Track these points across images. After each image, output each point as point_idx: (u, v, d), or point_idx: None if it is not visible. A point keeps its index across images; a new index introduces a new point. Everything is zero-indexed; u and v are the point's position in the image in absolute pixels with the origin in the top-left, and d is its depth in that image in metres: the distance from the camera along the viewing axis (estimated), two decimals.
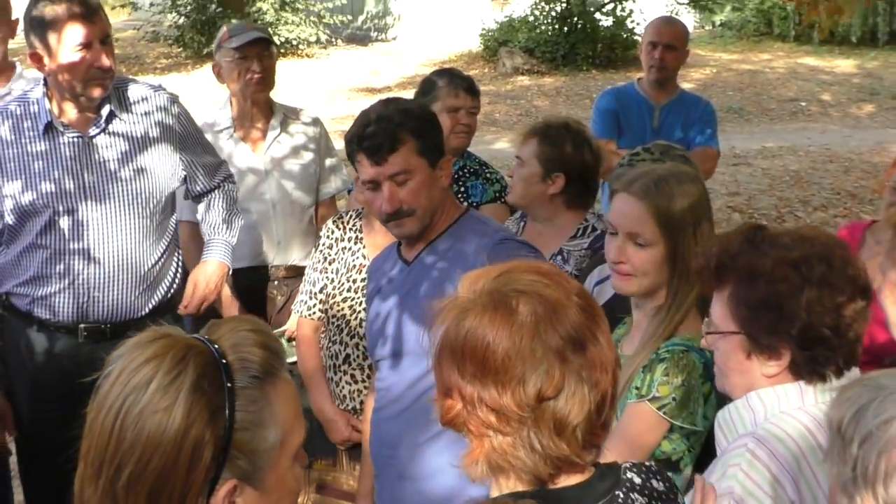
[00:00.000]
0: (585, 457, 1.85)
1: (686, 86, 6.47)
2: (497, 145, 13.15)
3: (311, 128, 4.99)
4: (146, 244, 3.96)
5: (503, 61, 19.15)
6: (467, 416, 1.82)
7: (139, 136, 3.95)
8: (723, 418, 2.42)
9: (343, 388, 3.96)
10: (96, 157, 3.88)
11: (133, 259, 3.93)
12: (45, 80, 3.88)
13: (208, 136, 4.45)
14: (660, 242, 2.90)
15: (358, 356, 3.91)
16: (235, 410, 1.63)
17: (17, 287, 3.96)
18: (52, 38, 3.74)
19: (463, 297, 1.88)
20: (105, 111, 3.89)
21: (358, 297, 3.89)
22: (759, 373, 2.35)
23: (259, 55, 4.81)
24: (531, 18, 19.82)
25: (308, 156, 4.94)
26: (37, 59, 3.80)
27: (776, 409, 2.32)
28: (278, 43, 17.88)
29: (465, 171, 4.68)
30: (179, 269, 4.18)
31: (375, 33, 23.00)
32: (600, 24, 19.58)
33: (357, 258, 3.96)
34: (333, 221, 4.12)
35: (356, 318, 3.90)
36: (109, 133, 3.90)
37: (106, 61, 3.79)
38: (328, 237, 4.06)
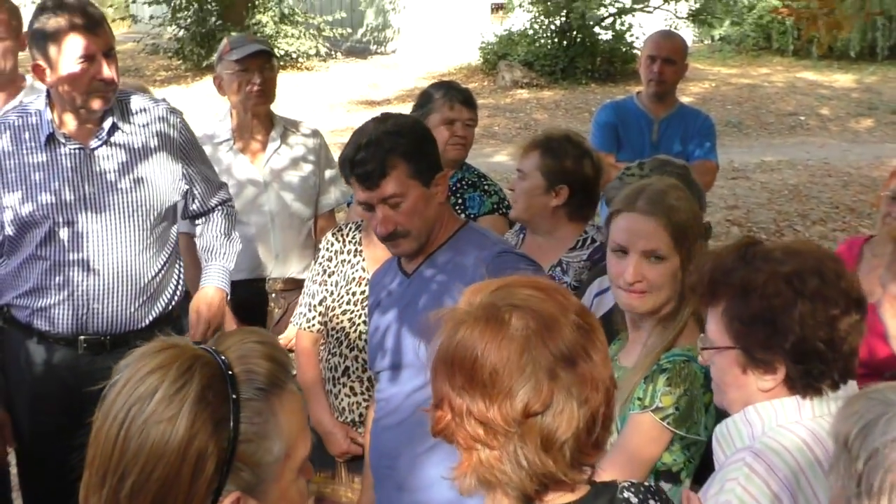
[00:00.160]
0: (574, 475, 1.84)
1: (685, 99, 6.48)
2: (496, 158, 13.17)
3: (311, 140, 5.00)
4: (146, 256, 3.95)
5: (502, 74, 19.18)
6: (456, 427, 1.83)
7: (140, 148, 3.95)
8: (721, 433, 2.42)
9: (342, 400, 3.97)
10: (97, 168, 3.88)
11: (133, 271, 3.93)
12: (48, 91, 3.89)
13: (207, 148, 4.45)
14: (674, 255, 2.91)
15: (357, 368, 3.92)
16: (240, 422, 1.63)
17: (17, 298, 3.96)
18: (53, 49, 3.74)
19: (459, 308, 1.88)
20: (107, 123, 3.89)
21: (357, 310, 3.90)
22: (755, 387, 2.35)
23: (260, 68, 4.82)
24: (530, 32, 19.86)
25: (308, 168, 4.94)
26: (39, 71, 3.81)
27: (773, 422, 2.32)
28: (278, 56, 17.90)
29: (464, 182, 4.69)
30: (181, 281, 4.17)
31: (375, 46, 23.04)
32: (599, 38, 19.62)
33: (356, 271, 3.96)
34: (333, 234, 4.12)
35: (356, 331, 3.90)
36: (111, 145, 3.90)
37: (109, 74, 3.79)
38: (328, 250, 4.07)
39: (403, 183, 3.16)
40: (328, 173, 4.99)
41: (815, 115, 17.10)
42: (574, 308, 1.88)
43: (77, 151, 3.86)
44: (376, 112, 3.49)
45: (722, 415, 2.50)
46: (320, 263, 4.07)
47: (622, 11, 19.66)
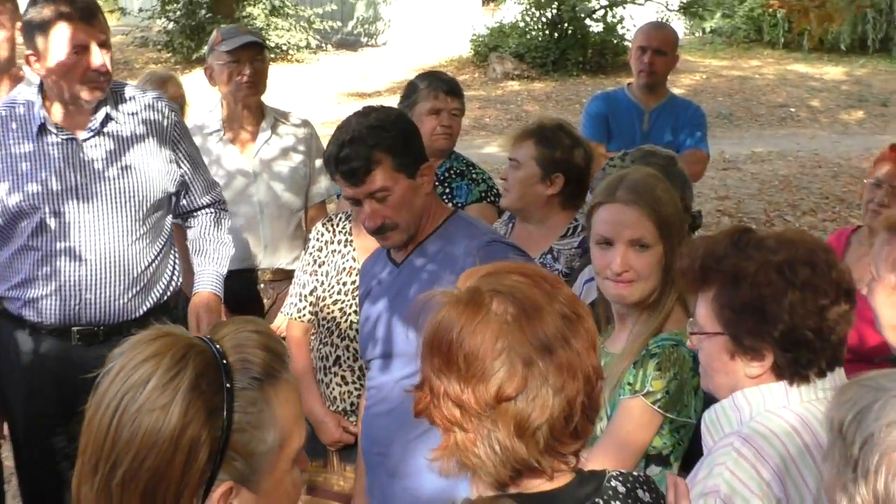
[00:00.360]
0: (549, 463, 1.84)
1: (676, 91, 6.49)
2: (487, 149, 13.16)
3: (301, 130, 5.00)
4: (139, 246, 3.94)
5: (493, 66, 19.16)
6: (434, 409, 1.84)
7: (133, 138, 3.93)
8: (709, 418, 2.43)
9: (333, 389, 3.97)
10: (88, 159, 3.86)
11: (126, 261, 3.91)
12: (41, 82, 3.88)
13: (197, 139, 4.44)
14: (658, 243, 2.92)
15: (348, 358, 3.92)
16: (234, 412, 1.62)
17: (9, 290, 3.94)
18: (45, 39, 3.72)
19: (447, 291, 1.89)
20: (100, 114, 3.88)
21: (348, 300, 3.90)
22: (742, 373, 2.36)
23: (251, 59, 4.81)
24: (521, 24, 19.83)
25: (298, 158, 4.94)
26: (32, 61, 3.79)
27: (762, 408, 2.33)
28: (269, 48, 17.87)
29: (452, 172, 4.69)
30: (176, 271, 4.17)
31: (365, 38, 23.00)
32: (591, 29, 19.60)
33: (347, 261, 3.96)
34: (323, 224, 4.12)
35: (346, 321, 3.91)
36: (104, 135, 3.89)
37: (103, 64, 3.77)
38: (318, 240, 4.07)
39: (389, 177, 3.17)
40: (318, 163, 4.97)
41: (806, 106, 17.13)
42: (562, 296, 1.88)
43: (69, 142, 3.85)
44: (367, 104, 3.48)
45: (711, 397, 2.51)
46: (310, 253, 4.07)
47: (613, 3, 19.65)
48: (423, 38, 21.62)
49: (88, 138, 3.87)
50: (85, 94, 3.80)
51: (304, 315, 4.08)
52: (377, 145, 3.15)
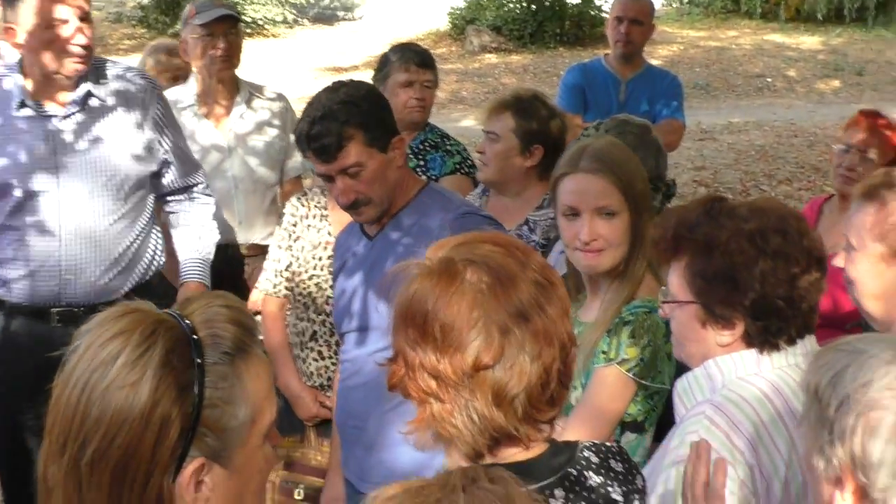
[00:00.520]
0: (527, 431, 1.85)
1: (653, 62, 6.49)
2: (464, 123, 13.14)
3: (277, 104, 4.97)
4: (120, 226, 3.88)
5: (471, 39, 19.09)
6: (409, 381, 1.83)
7: (115, 116, 3.87)
8: (681, 387, 2.43)
9: (310, 364, 3.96)
10: (68, 137, 3.79)
11: (106, 241, 3.85)
12: (21, 58, 3.81)
13: None
14: (624, 210, 2.92)
15: (325, 333, 3.91)
16: (205, 387, 1.60)
17: None
18: (25, 12, 3.65)
19: (418, 263, 1.89)
20: (81, 90, 3.81)
21: (324, 275, 3.89)
22: (713, 342, 2.36)
23: (225, 32, 4.77)
24: None
25: (273, 132, 4.91)
26: (11, 35, 3.72)
27: (733, 375, 2.34)
28: (244, 22, 17.75)
29: (426, 144, 4.67)
30: (159, 250, 4.10)
31: (342, 13, 22.89)
32: (568, 1, 19.54)
33: (322, 235, 3.95)
34: (298, 199, 4.10)
35: (322, 296, 3.90)
36: (84, 112, 3.82)
37: (84, 39, 3.70)
38: (293, 214, 4.05)
39: (361, 152, 3.15)
40: (293, 137, 4.93)
41: (782, 76, 17.15)
42: (535, 264, 1.88)
43: (48, 119, 3.78)
44: (344, 78, 3.45)
45: (683, 363, 2.52)
46: (285, 228, 4.05)
47: None
48: (399, 12, 21.53)
49: (68, 115, 3.80)
50: (65, 69, 3.73)
51: (280, 290, 4.06)
52: (348, 121, 3.13)
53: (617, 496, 1.94)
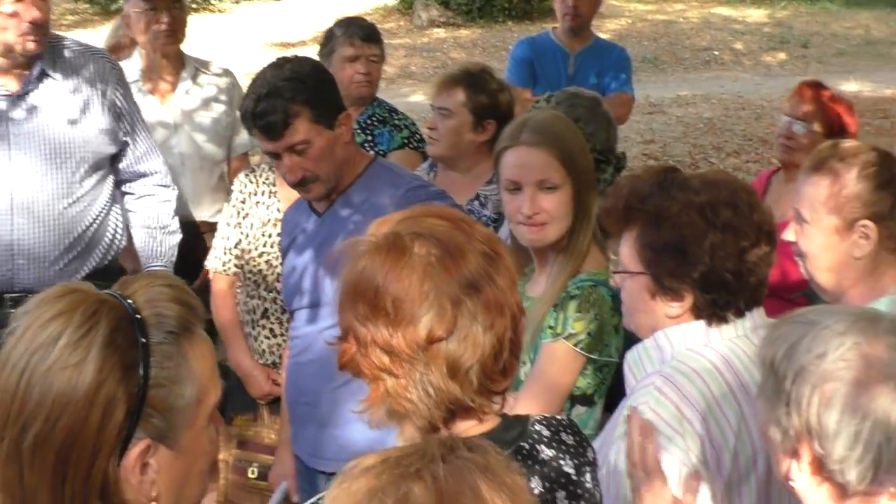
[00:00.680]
0: (482, 402, 1.85)
1: (601, 36, 6.50)
2: (413, 98, 13.09)
3: (223, 80, 4.93)
4: (77, 208, 3.80)
5: (419, 14, 19.01)
6: (361, 358, 1.83)
7: (71, 96, 3.78)
8: (632, 358, 2.44)
9: (262, 342, 3.94)
10: (22, 116, 3.71)
11: (62, 224, 3.77)
12: None
13: None
14: (566, 183, 2.92)
15: (276, 310, 3.89)
16: (150, 367, 1.57)
17: None
18: None
19: (364, 239, 1.88)
20: (36, 69, 3.72)
21: (274, 252, 3.86)
22: (662, 313, 2.37)
23: (168, 6, 4.72)
24: None
25: (220, 108, 4.87)
26: None
27: (683, 347, 2.34)
28: None
29: (374, 119, 4.65)
30: (118, 234, 4.00)
31: None
32: None
33: (272, 212, 3.92)
34: (246, 175, 4.07)
35: (273, 273, 3.88)
36: (39, 92, 3.73)
37: (39, 16, 3.61)
38: (241, 191, 4.02)
39: (308, 130, 3.13)
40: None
41: (729, 49, 17.25)
42: (480, 235, 1.88)
43: (1, 98, 3.70)
44: (291, 54, 3.41)
45: (631, 336, 2.53)
46: (234, 206, 4.02)
47: None
48: None
49: (22, 94, 3.71)
50: (20, 47, 3.64)
51: (230, 268, 4.03)
52: (294, 98, 3.11)
53: (569, 469, 1.95)
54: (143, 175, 4.05)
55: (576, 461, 1.98)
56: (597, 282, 2.87)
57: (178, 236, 4.14)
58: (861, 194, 2.71)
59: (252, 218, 3.96)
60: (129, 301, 1.61)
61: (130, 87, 4.63)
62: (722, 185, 2.38)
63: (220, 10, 20.12)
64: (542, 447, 1.94)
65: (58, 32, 3.97)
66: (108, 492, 1.56)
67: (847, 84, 12.72)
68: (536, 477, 1.91)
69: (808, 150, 4.13)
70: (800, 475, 1.83)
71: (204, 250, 4.64)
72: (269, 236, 3.90)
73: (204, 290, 4.22)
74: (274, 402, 3.94)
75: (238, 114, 4.81)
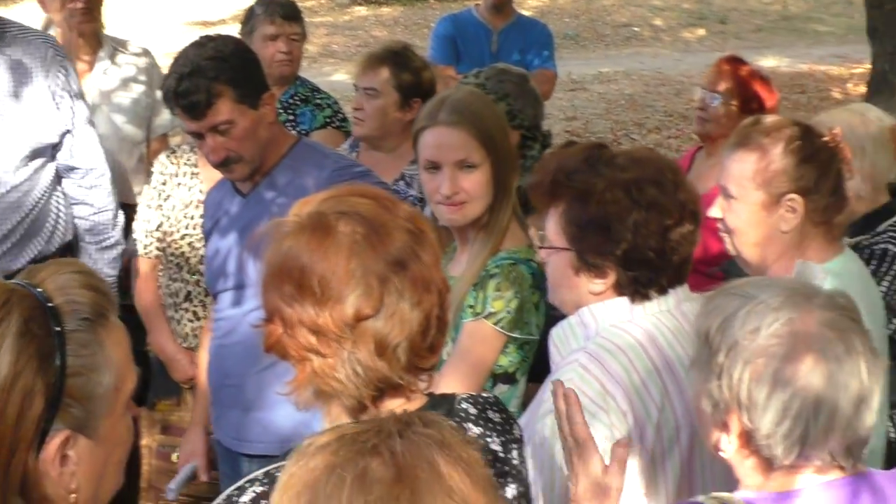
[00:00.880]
0: (410, 379, 1.85)
1: (524, 13, 6.53)
2: (335, 77, 13.01)
3: (142, 59, 4.85)
4: (12, 197, 3.70)
5: None
6: (287, 339, 1.81)
7: (10, 83, 3.67)
8: (557, 334, 2.45)
9: (185, 326, 3.90)
10: None
11: None
12: None
13: None
14: (485, 162, 2.91)
15: (199, 293, 3.86)
16: (67, 356, 1.54)
17: None
18: None
19: (287, 220, 1.87)
20: None
21: (197, 234, 3.82)
22: (586, 289, 2.38)
23: None
24: None
25: (139, 89, 4.79)
26: None
27: (607, 323, 2.36)
28: None
29: (296, 98, 4.63)
30: (61, 223, 3.89)
31: None
32: None
33: (194, 193, 3.88)
34: (167, 156, 4.02)
35: (196, 255, 3.84)
36: None
37: None
38: (162, 173, 3.97)
39: (231, 109, 3.11)
40: (160, 94, 4.81)
41: (649, 26, 17.39)
42: (404, 213, 1.88)
43: None
44: (212, 33, 3.36)
45: (552, 313, 2.53)
46: (154, 187, 3.96)
47: None
48: None
49: None
50: None
51: (151, 251, 3.97)
52: (217, 78, 3.08)
53: (496, 446, 1.96)
54: (80, 169, 3.93)
55: (503, 438, 1.99)
56: (517, 260, 2.88)
57: (120, 247, 4.00)
58: (787, 169, 2.75)
59: (174, 200, 3.91)
60: (39, 290, 1.57)
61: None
62: (648, 163, 2.39)
63: None
64: (470, 425, 1.95)
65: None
66: (28, 486, 1.52)
67: (764, 59, 12.89)
68: None
69: (723, 123, 4.22)
70: (729, 447, 1.86)
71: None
72: (192, 218, 3.85)
73: (124, 274, 4.16)
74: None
75: (158, 94, 4.78)
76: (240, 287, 3.25)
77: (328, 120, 4.61)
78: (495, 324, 2.83)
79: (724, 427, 1.84)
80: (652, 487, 2.28)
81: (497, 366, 2.88)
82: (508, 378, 2.91)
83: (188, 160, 3.94)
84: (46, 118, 3.77)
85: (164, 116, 4.84)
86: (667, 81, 13.38)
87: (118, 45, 4.81)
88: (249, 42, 4.39)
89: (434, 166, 2.93)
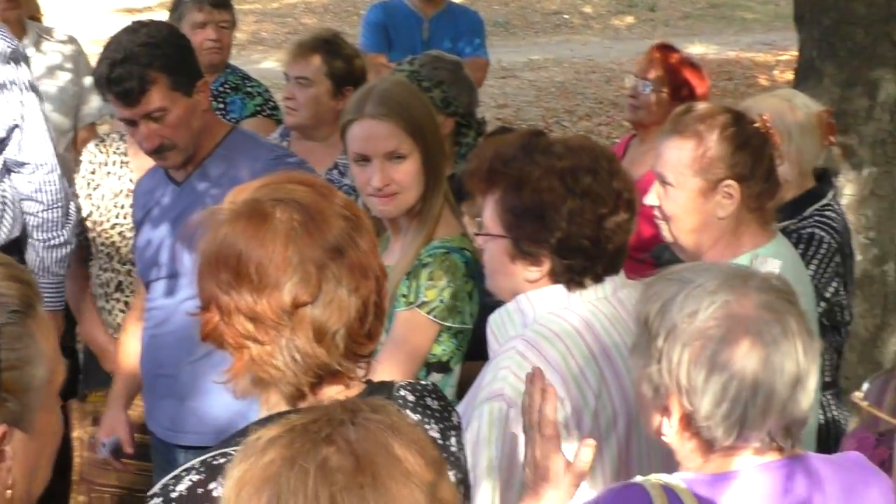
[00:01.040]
0: (349, 366, 1.85)
1: (454, 1, 6.52)
2: (265, 65, 12.90)
3: (68, 47, 4.79)
4: None
5: None
6: (225, 327, 1.81)
7: None
8: (494, 322, 2.46)
9: (116, 316, 3.87)
10: None
11: None
12: None
13: None
14: (415, 151, 2.90)
15: (131, 283, 3.83)
16: (1, 349, 1.51)
17: None
18: None
19: (222, 208, 1.85)
20: None
21: (128, 223, 3.78)
22: (522, 277, 2.39)
23: None
24: None
25: (65, 77, 4.73)
26: None
27: (544, 310, 2.37)
28: None
29: (226, 86, 4.59)
30: (5, 222, 3.76)
31: None
32: None
33: (124, 182, 3.84)
34: (95, 145, 3.98)
35: (126, 245, 3.80)
36: None
37: None
38: (91, 162, 3.92)
39: (165, 97, 3.08)
40: (87, 82, 4.76)
41: (579, 13, 17.48)
42: (340, 200, 1.88)
43: None
44: (138, 19, 3.32)
45: (485, 302, 2.54)
46: (83, 176, 3.92)
47: None
48: None
49: None
50: None
51: (81, 241, 3.91)
52: (151, 64, 3.05)
53: (434, 433, 1.97)
54: (29, 164, 3.79)
55: (441, 425, 1.99)
56: (450, 248, 2.88)
57: (66, 248, 3.84)
58: (724, 155, 2.79)
59: (103, 189, 3.87)
60: None
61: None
62: (584, 152, 2.40)
63: None
64: (408, 412, 1.95)
65: None
66: None
67: (693, 47, 13.01)
68: None
69: (654, 111, 4.27)
70: (670, 430, 1.88)
71: None
72: (122, 207, 3.81)
73: None
74: None
75: (85, 82, 4.72)
76: (173, 276, 3.22)
77: (259, 108, 4.58)
78: (428, 313, 2.83)
79: (665, 411, 1.87)
80: (589, 474, 2.29)
81: (431, 355, 2.89)
82: (442, 367, 2.91)
83: (117, 149, 3.89)
84: None
85: (92, 105, 4.78)
86: (597, 69, 13.45)
87: (43, 33, 4.75)
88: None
89: (364, 159, 2.92)
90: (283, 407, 1.83)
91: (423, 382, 2.07)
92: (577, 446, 1.99)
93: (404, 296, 2.86)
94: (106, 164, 3.88)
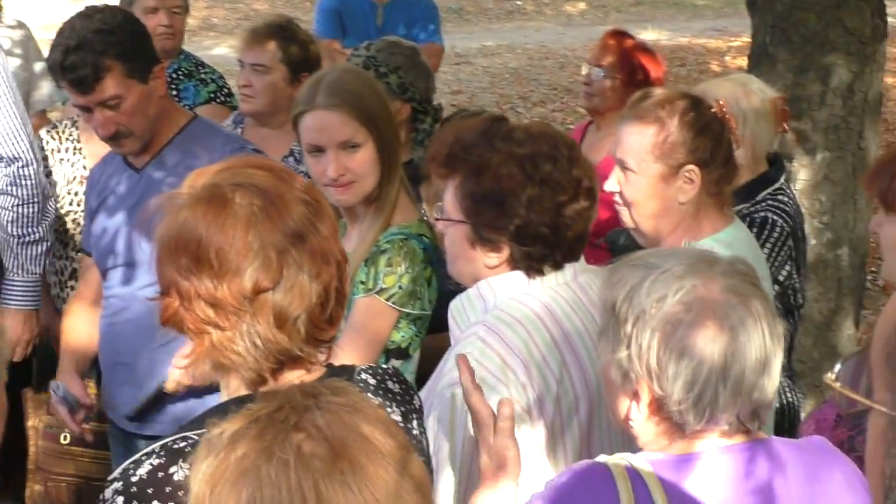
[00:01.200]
0: (310, 351, 1.85)
1: None
2: (216, 51, 12.80)
3: (17, 32, 4.73)
4: None
5: None
6: (185, 312, 1.79)
7: None
8: (455, 308, 2.46)
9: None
10: None
11: None
12: None
13: None
14: (368, 139, 2.89)
15: None
16: None
17: None
18: None
19: (181, 192, 1.84)
20: None
21: (81, 210, 3.74)
22: (482, 263, 2.39)
23: None
24: None
25: (15, 63, 4.63)
26: None
27: (505, 296, 2.37)
28: None
29: (180, 73, 4.55)
30: None
31: None
32: None
33: (77, 170, 3.81)
34: (48, 132, 3.94)
35: (80, 232, 3.75)
36: None
37: None
38: (42, 149, 3.88)
39: (120, 83, 3.06)
40: (38, 68, 4.70)
41: None
42: (300, 185, 1.87)
43: None
44: (88, 4, 3.28)
45: (444, 288, 2.53)
46: None
47: None
48: None
49: None
50: None
51: None
52: (105, 52, 3.02)
53: (396, 417, 1.97)
54: (2, 158, 3.70)
55: (402, 409, 2.00)
56: (408, 235, 2.88)
57: (42, 245, 3.75)
58: (685, 140, 2.81)
59: (56, 176, 3.83)
60: None
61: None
62: (544, 139, 2.39)
63: None
64: (370, 395, 1.95)
65: None
66: None
67: (645, 33, 13.06)
68: None
69: (609, 97, 4.28)
70: (639, 416, 1.88)
71: None
72: (76, 195, 3.77)
73: None
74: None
75: (35, 68, 4.66)
76: (130, 265, 3.20)
77: (212, 95, 4.54)
78: (387, 299, 2.83)
79: (635, 396, 1.87)
80: (551, 460, 2.30)
81: (390, 341, 2.88)
82: (401, 353, 2.91)
83: (70, 136, 3.85)
84: None
85: (43, 91, 4.72)
86: (550, 55, 13.48)
87: None
88: None
89: (317, 150, 2.90)
90: (244, 392, 1.83)
91: (383, 366, 2.07)
92: (500, 413, 1.99)
93: (363, 282, 2.85)
94: (59, 151, 3.84)
